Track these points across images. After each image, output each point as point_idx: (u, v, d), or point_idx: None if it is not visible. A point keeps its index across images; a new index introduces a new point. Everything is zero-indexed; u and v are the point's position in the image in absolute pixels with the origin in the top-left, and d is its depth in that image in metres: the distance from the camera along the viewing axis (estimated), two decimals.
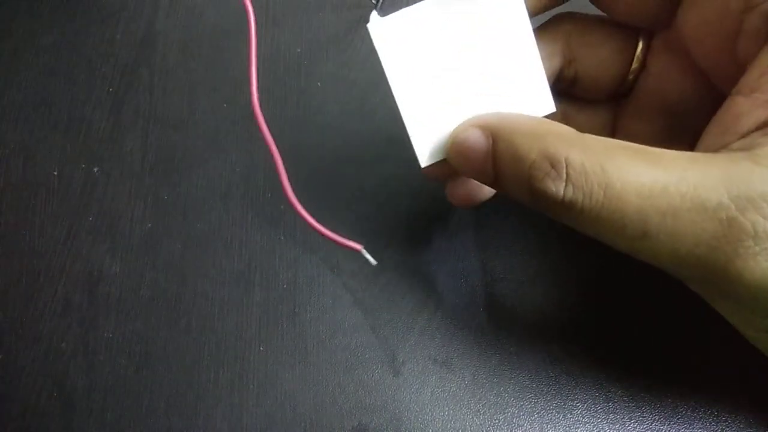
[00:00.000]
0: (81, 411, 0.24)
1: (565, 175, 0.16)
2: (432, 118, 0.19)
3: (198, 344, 0.25)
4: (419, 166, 0.20)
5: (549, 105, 0.19)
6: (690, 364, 0.23)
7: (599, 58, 0.21)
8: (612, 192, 0.15)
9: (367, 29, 0.18)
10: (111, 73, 0.30)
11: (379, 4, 0.22)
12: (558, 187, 0.16)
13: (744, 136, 0.16)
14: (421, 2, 0.19)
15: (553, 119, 0.22)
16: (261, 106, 0.29)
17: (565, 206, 0.16)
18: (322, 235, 0.22)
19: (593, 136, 0.16)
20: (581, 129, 0.22)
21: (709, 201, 0.14)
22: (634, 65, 0.21)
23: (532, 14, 0.19)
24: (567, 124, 0.22)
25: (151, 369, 0.24)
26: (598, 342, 0.24)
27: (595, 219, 0.15)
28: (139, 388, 0.24)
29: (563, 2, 0.20)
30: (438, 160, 0.19)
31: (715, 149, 0.16)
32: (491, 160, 0.18)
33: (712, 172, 0.14)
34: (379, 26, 0.19)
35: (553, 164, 0.16)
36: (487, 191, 0.22)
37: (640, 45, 0.20)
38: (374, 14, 0.19)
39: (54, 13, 0.32)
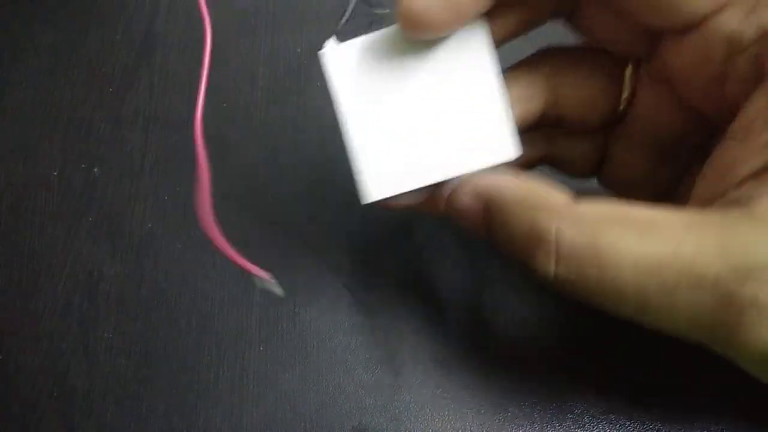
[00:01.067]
0: (81, 411, 0.24)
1: (554, 254, 0.15)
2: (384, 156, 0.18)
3: (198, 344, 0.25)
4: (360, 200, 0.18)
5: (512, 151, 0.18)
6: (690, 365, 0.23)
7: (585, 97, 0.20)
8: (607, 271, 0.15)
9: (319, 56, 0.18)
10: (111, 73, 0.30)
11: (340, 25, 0.21)
12: (547, 267, 0.15)
13: (739, 183, 0.15)
14: (379, 30, 0.18)
15: (538, 146, 0.21)
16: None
17: (558, 283, 0.16)
18: (233, 261, 0.20)
19: (586, 204, 0.16)
20: (569, 155, 0.22)
21: (707, 276, 0.14)
22: (624, 94, 0.20)
23: (498, 43, 0.18)
24: (554, 149, 0.22)
25: (151, 369, 0.24)
26: (598, 342, 0.24)
27: (591, 295, 0.15)
28: (139, 388, 0.24)
29: (526, 32, 0.19)
30: (383, 198, 0.18)
31: (711, 197, 0.16)
32: (485, 227, 0.17)
33: (709, 240, 0.14)
34: (334, 52, 0.18)
35: (542, 242, 0.15)
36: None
37: (629, 73, 0.20)
38: (331, 40, 0.18)
39: (54, 13, 0.32)
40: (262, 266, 0.26)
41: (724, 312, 0.14)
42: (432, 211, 0.20)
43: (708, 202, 0.16)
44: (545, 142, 0.22)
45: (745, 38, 0.16)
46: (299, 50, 0.31)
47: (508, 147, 0.18)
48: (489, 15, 0.17)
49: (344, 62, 0.18)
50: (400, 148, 0.18)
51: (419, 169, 0.18)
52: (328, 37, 0.31)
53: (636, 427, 0.23)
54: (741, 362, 0.16)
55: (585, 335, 0.24)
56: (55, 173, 0.28)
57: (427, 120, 0.18)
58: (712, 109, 0.18)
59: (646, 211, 0.15)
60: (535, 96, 0.20)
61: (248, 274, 0.26)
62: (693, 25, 0.16)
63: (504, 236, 0.17)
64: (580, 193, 0.17)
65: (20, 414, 0.24)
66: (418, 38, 0.17)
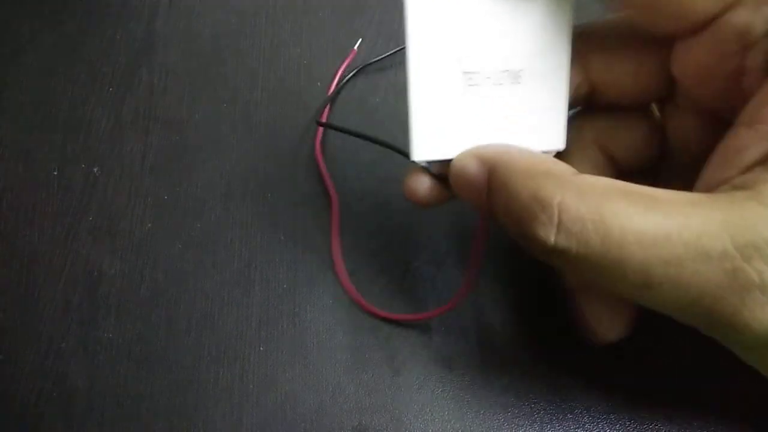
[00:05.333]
0: (81, 411, 0.24)
1: (557, 222, 0.15)
2: (440, 119, 0.18)
3: (198, 344, 0.25)
4: (410, 158, 0.19)
5: (559, 142, 0.18)
6: (691, 365, 0.23)
7: (623, 76, 0.19)
8: (610, 240, 0.14)
9: None
10: (111, 73, 0.30)
11: None
12: (548, 234, 0.15)
13: (746, 169, 0.15)
14: None
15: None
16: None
17: (557, 253, 0.15)
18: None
19: (591, 176, 0.16)
20: (623, 143, 0.21)
21: (714, 250, 0.14)
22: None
23: None
24: (604, 137, 0.21)
25: (151, 369, 0.24)
26: None
27: (592, 267, 0.15)
28: (139, 388, 0.24)
29: None
30: (429, 159, 0.19)
31: (717, 183, 0.16)
32: (486, 194, 0.17)
33: (716, 217, 0.14)
34: None
35: (544, 208, 0.15)
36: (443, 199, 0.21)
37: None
38: None
39: (54, 13, 0.32)
40: (264, 264, 0.26)
41: (729, 288, 0.14)
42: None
43: (714, 187, 0.16)
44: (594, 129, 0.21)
45: (756, 32, 0.16)
46: (299, 50, 0.31)
47: (559, 137, 0.18)
48: None
49: (427, 12, 0.17)
50: (456, 114, 0.18)
51: (470, 139, 0.18)
52: (327, 36, 0.31)
53: (636, 427, 0.23)
54: (736, 346, 0.16)
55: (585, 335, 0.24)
56: (55, 173, 0.28)
57: (488, 90, 0.18)
58: (730, 107, 0.17)
59: (652, 189, 0.15)
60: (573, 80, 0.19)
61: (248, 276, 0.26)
62: (704, 26, 0.16)
63: (505, 202, 0.16)
64: None
65: (20, 414, 0.24)
66: None
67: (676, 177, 0.21)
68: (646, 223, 0.14)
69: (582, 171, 0.17)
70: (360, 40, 0.30)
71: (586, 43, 0.19)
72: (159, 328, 0.25)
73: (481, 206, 0.18)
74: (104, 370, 0.24)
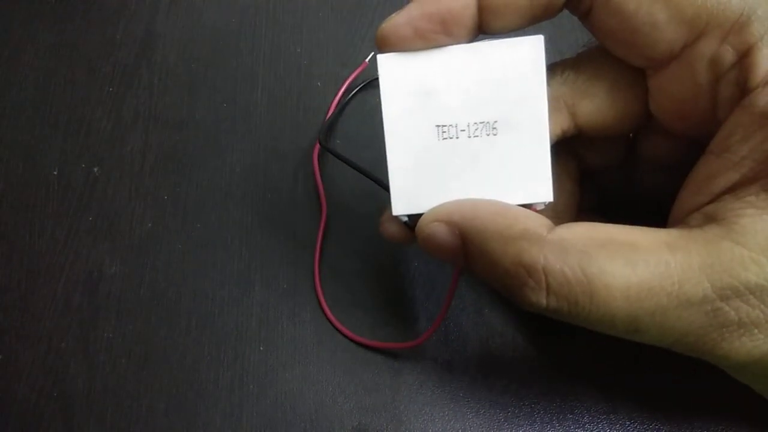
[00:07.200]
0: (81, 411, 0.24)
1: (545, 285, 0.16)
2: (419, 174, 0.18)
3: (198, 344, 0.25)
4: (390, 212, 0.18)
5: (547, 194, 0.18)
6: (690, 365, 0.23)
7: (605, 112, 0.19)
8: (598, 299, 0.15)
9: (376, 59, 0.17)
10: (111, 73, 0.30)
11: None
12: (539, 297, 0.16)
13: (716, 197, 0.16)
14: (440, 48, 0.17)
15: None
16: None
17: (550, 312, 0.16)
18: None
19: (568, 231, 0.16)
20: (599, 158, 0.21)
21: (695, 296, 0.15)
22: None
23: (523, 25, 0.17)
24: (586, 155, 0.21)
25: (151, 369, 0.24)
26: (598, 341, 0.24)
27: (584, 321, 0.16)
28: (139, 388, 0.24)
29: (552, 17, 0.18)
30: (410, 213, 0.18)
31: (690, 209, 0.16)
32: (464, 258, 0.17)
33: (694, 261, 0.15)
34: (390, 61, 0.17)
35: (531, 274, 0.16)
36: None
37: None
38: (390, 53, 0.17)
39: (54, 13, 0.32)
40: (264, 264, 0.26)
41: (709, 327, 0.15)
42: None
43: (686, 214, 0.16)
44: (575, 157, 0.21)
45: (725, 63, 0.16)
46: (299, 50, 0.31)
47: (546, 189, 0.18)
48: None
49: (398, 73, 0.17)
50: (432, 168, 0.18)
51: (451, 193, 0.18)
52: (327, 36, 0.31)
53: (636, 427, 0.23)
54: (721, 366, 0.17)
55: (586, 333, 0.24)
56: (55, 173, 0.28)
57: (465, 143, 0.18)
58: (707, 136, 0.17)
59: (628, 232, 0.16)
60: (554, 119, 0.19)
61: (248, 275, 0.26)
62: (674, 55, 0.16)
63: (486, 269, 0.17)
64: None
65: (20, 414, 0.24)
66: (391, 51, 0.17)
67: (643, 174, 0.21)
68: (628, 278, 0.15)
69: None
70: (372, 53, 0.30)
71: (573, 88, 0.19)
72: (159, 328, 0.25)
73: (459, 266, 0.18)
74: (104, 370, 0.24)
